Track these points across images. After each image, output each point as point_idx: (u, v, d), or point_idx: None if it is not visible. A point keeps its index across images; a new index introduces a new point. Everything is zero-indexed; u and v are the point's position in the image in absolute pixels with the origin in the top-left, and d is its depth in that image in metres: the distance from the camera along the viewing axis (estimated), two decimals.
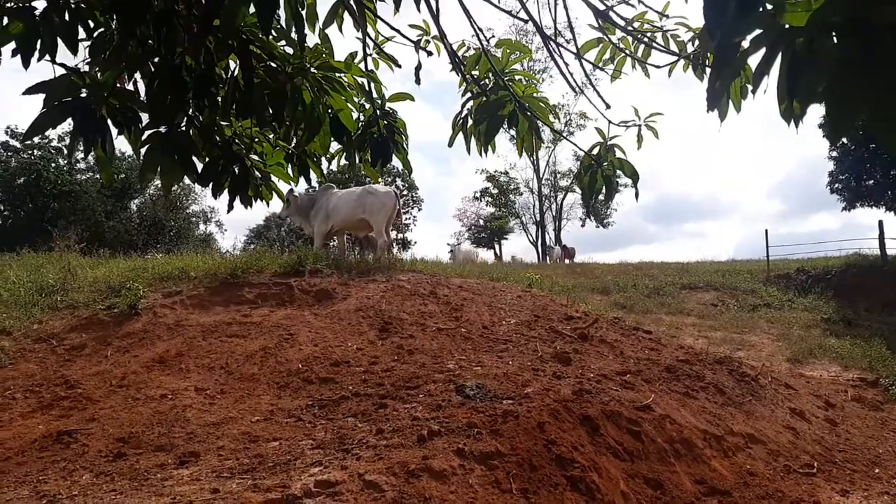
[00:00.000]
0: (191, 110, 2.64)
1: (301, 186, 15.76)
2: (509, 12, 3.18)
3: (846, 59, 1.19)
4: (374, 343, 6.98)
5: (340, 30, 2.89)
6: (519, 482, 4.09)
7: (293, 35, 2.55)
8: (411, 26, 3.09)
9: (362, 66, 2.91)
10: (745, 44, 1.52)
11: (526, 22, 2.71)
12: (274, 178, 3.19)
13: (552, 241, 47.48)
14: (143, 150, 2.73)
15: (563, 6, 2.69)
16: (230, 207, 2.90)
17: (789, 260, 22.76)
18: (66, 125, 2.61)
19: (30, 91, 2.53)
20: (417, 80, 3.17)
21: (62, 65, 2.62)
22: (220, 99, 2.63)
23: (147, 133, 2.69)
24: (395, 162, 3.40)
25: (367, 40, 2.91)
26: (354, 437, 4.55)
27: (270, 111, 2.60)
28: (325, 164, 3.47)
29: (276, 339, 6.90)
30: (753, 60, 1.57)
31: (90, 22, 2.65)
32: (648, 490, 4.61)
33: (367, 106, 3.20)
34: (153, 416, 5.06)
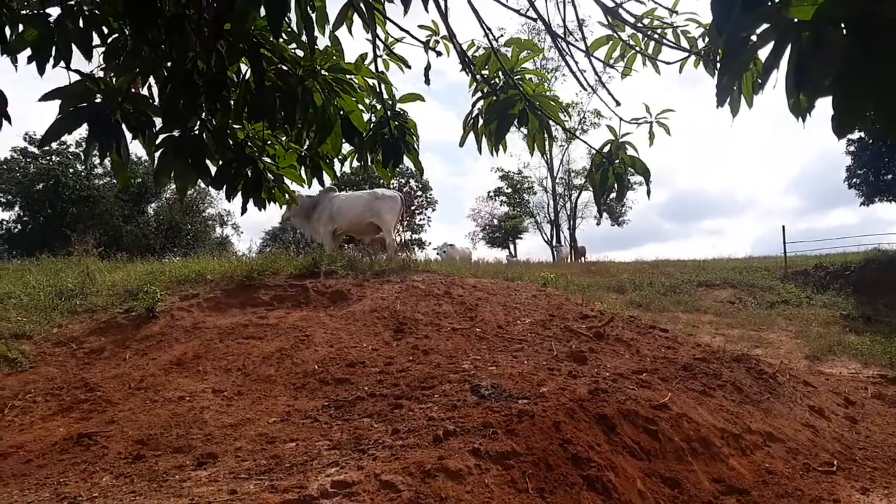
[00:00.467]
0: (203, 114, 2.66)
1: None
2: (518, 11, 3.18)
3: (849, 56, 1.18)
4: (390, 343, 7.00)
5: (350, 32, 2.90)
6: (535, 482, 4.08)
7: (303, 38, 2.56)
8: (420, 27, 3.10)
9: (372, 67, 2.92)
10: (754, 38, 1.51)
11: (535, 20, 2.71)
12: (287, 181, 3.21)
13: (566, 239, 47.31)
14: (157, 154, 2.76)
15: (573, 4, 2.69)
16: (244, 210, 2.92)
17: (807, 256, 22.53)
18: (83, 130, 2.65)
19: (45, 98, 2.56)
20: (427, 81, 3.18)
21: (77, 71, 2.66)
22: (232, 102, 2.65)
23: (161, 137, 2.71)
24: (407, 162, 3.41)
25: (377, 42, 2.92)
26: (370, 438, 4.56)
27: (282, 113, 2.62)
28: (337, 165, 3.48)
29: (293, 340, 6.94)
30: (763, 55, 1.56)
31: (104, 28, 2.68)
32: (666, 489, 4.58)
33: (378, 107, 3.21)
34: (171, 418, 5.11)
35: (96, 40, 2.67)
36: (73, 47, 2.61)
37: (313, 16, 2.52)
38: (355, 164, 3.51)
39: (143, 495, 3.82)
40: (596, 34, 3.21)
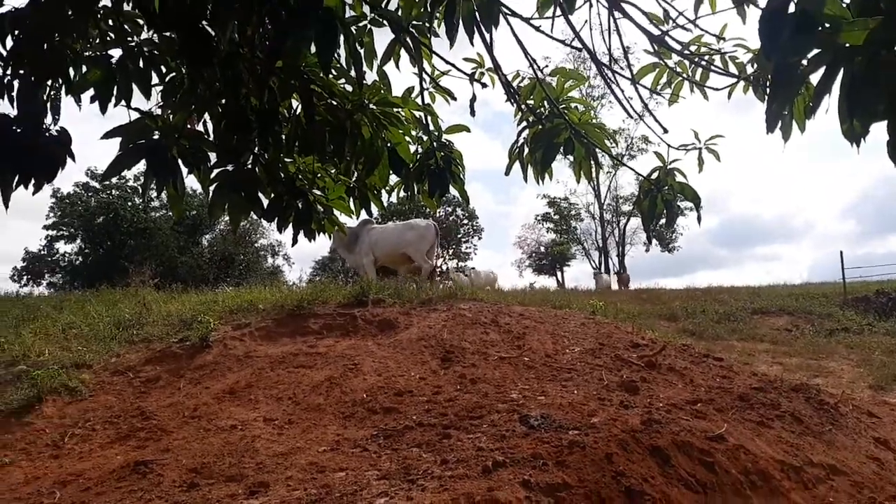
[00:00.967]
0: (256, 148, 2.75)
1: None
2: (563, 41, 3.21)
3: None
4: (437, 372, 6.99)
5: (397, 66, 2.97)
6: None
7: (352, 73, 2.63)
8: (466, 59, 3.15)
9: (419, 100, 2.97)
10: (804, 63, 1.49)
11: (580, 50, 2.72)
12: (336, 212, 3.28)
13: (614, 265, 46.62)
14: (211, 188, 2.85)
15: (617, 33, 2.70)
16: (294, 241, 2.99)
17: (867, 282, 21.69)
18: (141, 165, 2.76)
19: (108, 135, 2.68)
20: (472, 112, 3.22)
21: (136, 109, 2.78)
22: (283, 137, 2.73)
23: (215, 171, 2.81)
24: (453, 191, 3.44)
25: (424, 75, 2.97)
26: (419, 468, 4.54)
27: (331, 147, 2.68)
28: (384, 196, 3.54)
29: (341, 369, 6.99)
30: (815, 79, 1.54)
31: (162, 67, 2.81)
32: None
33: (425, 138, 3.26)
34: (224, 447, 5.18)
35: (154, 79, 2.80)
36: (133, 86, 2.74)
37: (361, 52, 2.59)
38: (402, 194, 3.56)
39: None
40: (642, 61, 3.21)
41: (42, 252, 33.81)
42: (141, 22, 2.72)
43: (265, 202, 2.88)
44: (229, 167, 2.79)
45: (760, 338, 14.32)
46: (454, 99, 3.12)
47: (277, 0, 2.12)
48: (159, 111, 2.85)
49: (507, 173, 3.39)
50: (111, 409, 6.38)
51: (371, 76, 2.79)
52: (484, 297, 11.13)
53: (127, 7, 2.66)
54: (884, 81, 1.18)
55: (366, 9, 2.83)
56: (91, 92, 2.71)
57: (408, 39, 2.75)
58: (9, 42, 2.41)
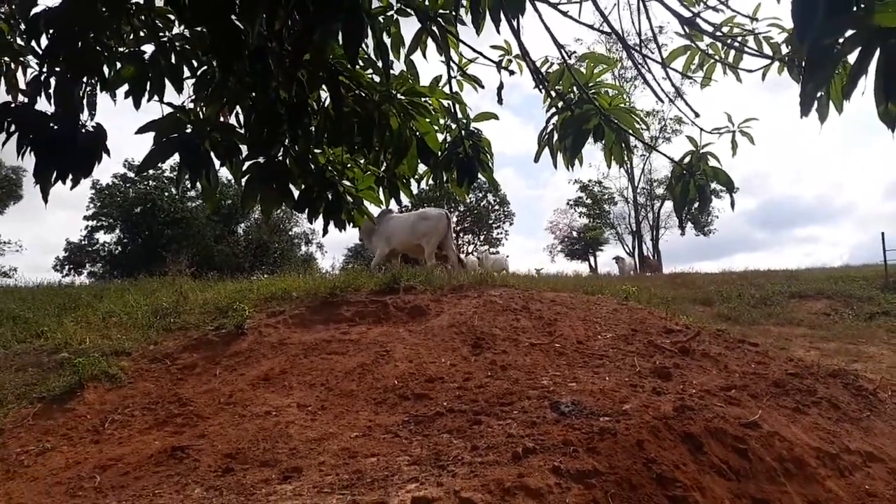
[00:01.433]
0: (286, 140, 2.77)
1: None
2: (591, 26, 3.17)
3: None
4: (468, 359, 7.02)
5: (424, 55, 2.97)
6: (618, 502, 3.99)
7: (379, 64, 2.64)
8: (493, 47, 3.13)
9: (446, 88, 2.97)
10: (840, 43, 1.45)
11: (609, 35, 2.69)
12: (365, 202, 3.30)
13: (648, 249, 46.03)
14: (244, 180, 2.89)
15: (647, 15, 2.65)
16: (325, 231, 3.02)
17: None
18: (176, 157, 2.81)
19: (142, 130, 2.73)
20: (500, 100, 3.21)
21: (169, 104, 2.82)
22: (312, 128, 2.76)
23: (247, 164, 2.84)
24: (483, 179, 3.44)
25: (451, 63, 2.97)
26: (450, 454, 4.58)
27: (360, 138, 2.70)
28: (413, 185, 3.55)
29: (373, 355, 7.06)
30: (851, 60, 1.50)
31: (193, 62, 2.85)
32: None
33: (453, 127, 3.26)
34: (258, 433, 5.28)
35: (186, 73, 2.84)
36: (166, 81, 2.79)
37: (388, 42, 2.60)
38: (430, 182, 3.57)
39: None
40: (673, 44, 3.15)
41: (83, 242, 34.63)
42: (172, 17, 2.76)
43: (296, 193, 2.92)
44: (260, 159, 2.82)
45: (798, 322, 14.06)
46: (482, 87, 3.12)
47: None
48: (191, 105, 2.90)
49: (536, 160, 3.37)
50: (149, 396, 6.55)
51: (398, 66, 2.80)
52: (514, 283, 11.11)
53: (158, 3, 2.71)
54: None
55: None
56: (125, 87, 2.77)
57: (434, 28, 2.75)
58: (44, 41, 2.47)
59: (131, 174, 34.00)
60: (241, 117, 2.84)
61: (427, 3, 2.74)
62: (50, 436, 5.81)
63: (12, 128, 2.47)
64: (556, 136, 3.22)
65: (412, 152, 2.91)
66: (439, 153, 3.10)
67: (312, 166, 2.95)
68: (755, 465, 4.77)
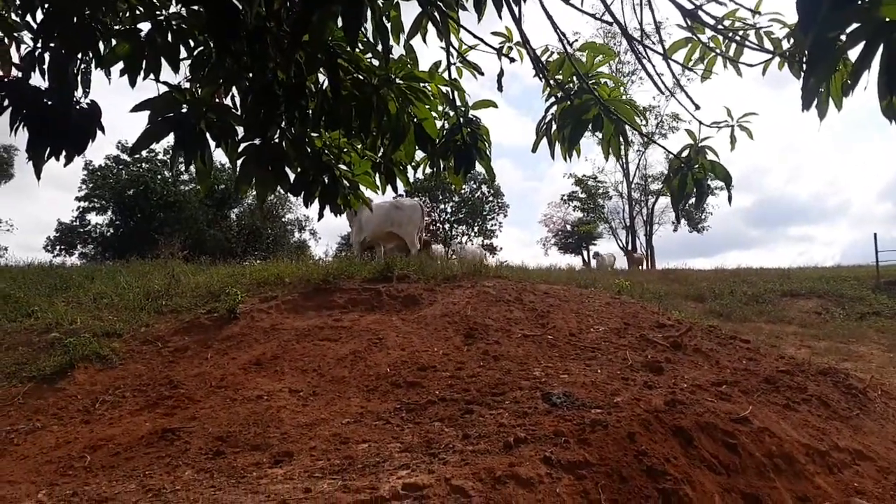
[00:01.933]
0: (283, 123, 2.75)
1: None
2: (593, 15, 3.14)
3: None
4: (460, 349, 7.02)
5: (424, 40, 2.93)
6: (608, 493, 4.00)
7: (379, 47, 2.61)
8: (494, 33, 3.10)
9: (445, 75, 2.94)
10: (843, 39, 1.44)
11: (610, 24, 2.67)
12: (362, 187, 3.28)
13: (642, 245, 46.09)
14: (239, 162, 2.86)
15: (650, 7, 2.63)
16: (321, 216, 3.00)
17: None
18: (170, 139, 2.78)
19: (137, 108, 2.70)
20: (500, 87, 3.18)
21: (165, 83, 2.79)
22: (310, 111, 2.73)
23: (243, 146, 2.81)
24: (479, 168, 3.42)
25: (451, 49, 2.94)
26: (441, 442, 4.58)
27: (357, 122, 2.67)
28: (410, 172, 3.53)
29: (366, 343, 7.05)
30: (853, 56, 1.49)
31: (190, 41, 2.81)
32: None
33: (451, 114, 3.23)
34: (250, 416, 5.27)
35: (183, 53, 2.80)
36: (162, 60, 2.75)
37: (388, 25, 2.57)
38: (428, 170, 3.54)
39: (222, 490, 3.96)
40: (674, 37, 3.14)
41: (74, 223, 34.43)
42: None
43: (292, 177, 2.89)
44: (256, 141, 2.79)
45: (789, 320, 14.14)
46: (482, 74, 3.09)
47: None
48: (188, 85, 2.86)
49: (534, 150, 3.35)
50: (140, 378, 6.53)
51: (398, 50, 2.77)
52: (508, 274, 11.11)
53: None
54: None
55: None
56: (120, 65, 2.73)
57: (435, 13, 2.72)
58: (39, 15, 2.43)
59: (124, 156, 33.81)
60: (238, 99, 2.81)
61: None
62: (40, 415, 5.79)
63: (5, 102, 2.43)
64: (554, 126, 3.20)
65: (410, 138, 2.88)
66: (437, 140, 3.07)
67: (308, 150, 2.92)
68: (745, 460, 4.79)
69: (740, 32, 3.02)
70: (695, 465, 4.56)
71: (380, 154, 3.20)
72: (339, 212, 3.19)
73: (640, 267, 32.55)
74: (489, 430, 4.74)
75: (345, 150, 3.10)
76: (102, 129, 2.56)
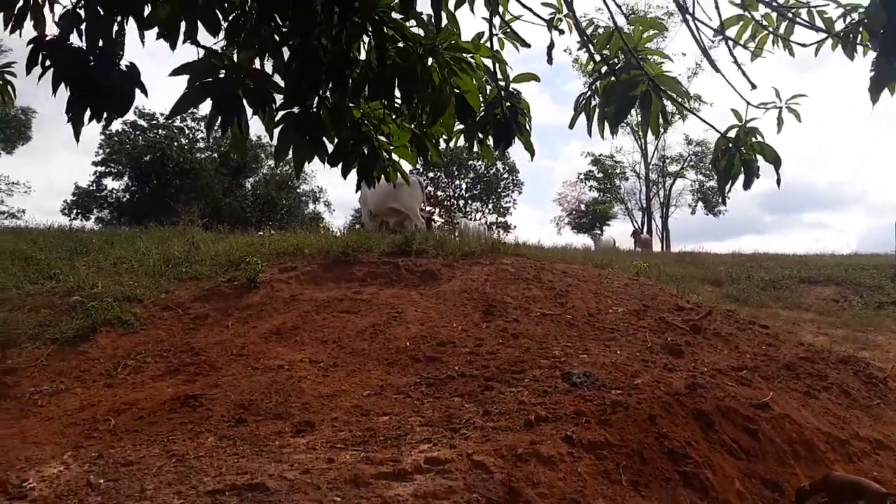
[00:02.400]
0: (323, 91, 2.70)
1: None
2: None
3: None
4: (479, 325, 7.01)
5: (472, 9, 2.86)
6: (629, 474, 4.01)
7: (424, 15, 2.55)
8: (544, 4, 3.03)
9: (488, 45, 2.88)
10: None
11: None
12: (397, 159, 3.24)
13: (656, 227, 45.77)
14: (276, 131, 2.82)
15: None
16: (358, 187, 2.96)
17: None
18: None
19: (175, 73, 2.65)
20: (549, 60, 3.10)
21: (204, 47, 2.74)
22: (350, 81, 2.68)
23: (281, 114, 2.77)
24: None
25: (494, 20, 2.87)
26: (462, 417, 4.59)
27: (400, 92, 2.62)
28: (442, 144, 3.48)
29: (385, 316, 7.05)
30: None
31: (225, 4, 2.75)
32: (766, 491, 4.41)
33: (490, 87, 3.17)
34: (271, 385, 5.30)
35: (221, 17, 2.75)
36: (199, 24, 2.69)
37: None
38: (461, 143, 3.49)
39: (245, 458, 3.99)
40: (724, 14, 3.04)
41: (91, 188, 34.56)
42: None
43: (329, 147, 2.85)
44: (295, 109, 2.75)
45: (806, 307, 14.01)
46: (527, 46, 3.02)
47: None
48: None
49: (571, 126, 3.30)
50: (161, 344, 6.57)
51: (442, 20, 2.69)
52: (526, 252, 11.06)
53: None
54: None
55: None
56: (155, 30, 2.68)
57: None
58: None
59: (141, 122, 33.76)
60: (271, 65, 2.75)
61: None
62: (63, 377, 5.85)
63: (47, 62, 2.40)
64: (593, 102, 3.14)
65: (450, 111, 2.83)
66: (477, 113, 3.01)
67: (347, 120, 2.88)
68: (765, 446, 4.78)
69: (793, 11, 2.94)
70: (715, 450, 4.55)
71: (417, 126, 3.14)
72: (373, 184, 3.15)
73: (647, 248, 31.77)
74: (509, 407, 4.74)
75: (384, 121, 3.05)
76: (144, 91, 2.53)
